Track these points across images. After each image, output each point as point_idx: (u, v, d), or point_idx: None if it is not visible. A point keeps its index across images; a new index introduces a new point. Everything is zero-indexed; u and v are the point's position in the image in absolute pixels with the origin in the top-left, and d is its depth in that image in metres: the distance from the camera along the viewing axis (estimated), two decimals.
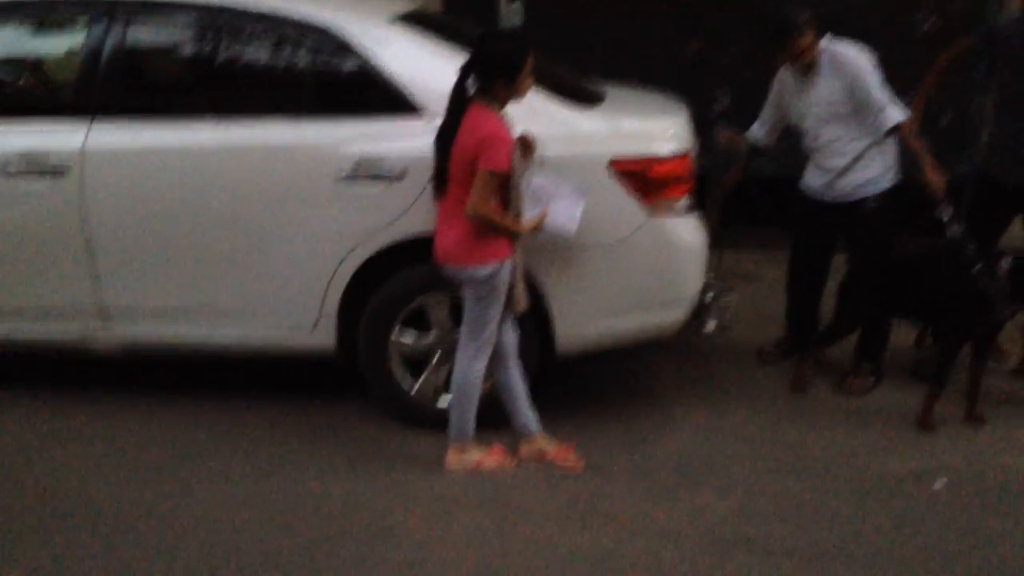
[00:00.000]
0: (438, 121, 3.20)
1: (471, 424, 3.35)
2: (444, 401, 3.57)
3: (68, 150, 3.53)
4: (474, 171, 3.04)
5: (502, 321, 3.27)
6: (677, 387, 4.14)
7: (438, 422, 3.47)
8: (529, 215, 3.20)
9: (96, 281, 3.63)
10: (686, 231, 3.52)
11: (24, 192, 3.56)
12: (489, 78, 3.07)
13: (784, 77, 4.13)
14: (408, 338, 3.58)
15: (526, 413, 3.40)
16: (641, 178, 3.40)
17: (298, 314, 3.60)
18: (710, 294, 3.79)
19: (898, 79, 3.97)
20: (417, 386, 3.63)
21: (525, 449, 3.44)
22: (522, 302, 3.26)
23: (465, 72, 3.10)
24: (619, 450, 3.55)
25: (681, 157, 3.48)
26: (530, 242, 3.28)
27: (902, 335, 4.55)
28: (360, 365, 3.66)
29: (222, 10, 3.58)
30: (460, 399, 3.31)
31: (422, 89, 3.42)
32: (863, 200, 4.00)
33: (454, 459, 3.39)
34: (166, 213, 3.55)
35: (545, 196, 3.21)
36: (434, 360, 3.60)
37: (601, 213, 3.35)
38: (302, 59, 3.56)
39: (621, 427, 3.74)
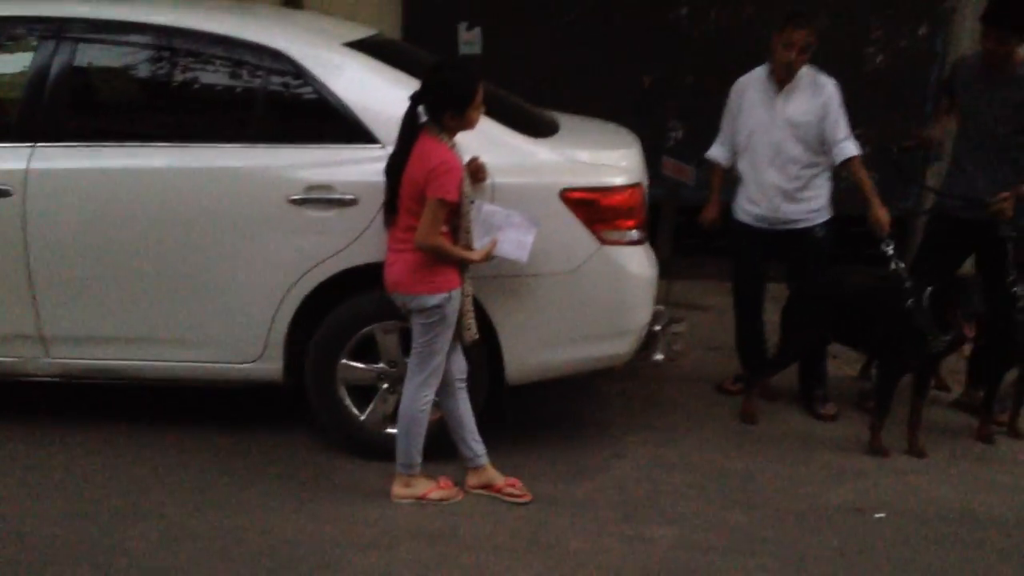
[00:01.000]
0: (389, 149, 3.20)
1: (418, 454, 3.32)
2: (392, 429, 3.53)
3: (11, 172, 3.45)
4: (423, 200, 3.03)
5: (451, 351, 3.26)
6: (625, 417, 4.15)
7: (386, 451, 3.43)
8: (479, 243, 3.20)
9: (35, 307, 3.54)
10: (637, 261, 3.54)
11: None
12: (438, 108, 3.07)
13: (745, 89, 4.14)
14: (356, 367, 3.55)
15: (474, 444, 3.38)
16: (593, 208, 3.42)
17: (245, 342, 3.54)
18: (660, 324, 3.82)
19: (848, 114, 4.06)
20: (366, 414, 3.59)
21: (472, 480, 3.42)
22: (472, 331, 3.25)
23: (415, 101, 3.10)
24: (566, 481, 3.55)
25: (633, 188, 3.51)
26: (480, 271, 3.28)
27: (847, 366, 4.64)
28: (307, 393, 3.61)
29: (173, 31, 3.54)
30: (407, 429, 3.28)
31: (373, 116, 3.41)
32: (811, 228, 4.07)
33: (400, 490, 3.35)
34: (108, 238, 3.48)
35: (496, 224, 3.22)
36: (382, 388, 3.57)
37: (552, 243, 3.36)
38: (254, 83, 3.53)
39: (569, 458, 3.73)
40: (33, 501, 3.32)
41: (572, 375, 3.74)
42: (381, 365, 3.56)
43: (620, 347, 3.61)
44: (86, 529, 3.16)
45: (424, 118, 3.12)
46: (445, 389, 3.31)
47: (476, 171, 3.29)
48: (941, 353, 3.86)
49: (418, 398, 3.24)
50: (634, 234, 3.53)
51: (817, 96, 3.98)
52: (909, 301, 3.73)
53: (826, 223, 4.11)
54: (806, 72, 4.01)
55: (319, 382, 3.56)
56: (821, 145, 4.00)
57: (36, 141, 3.48)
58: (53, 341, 3.60)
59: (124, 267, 3.50)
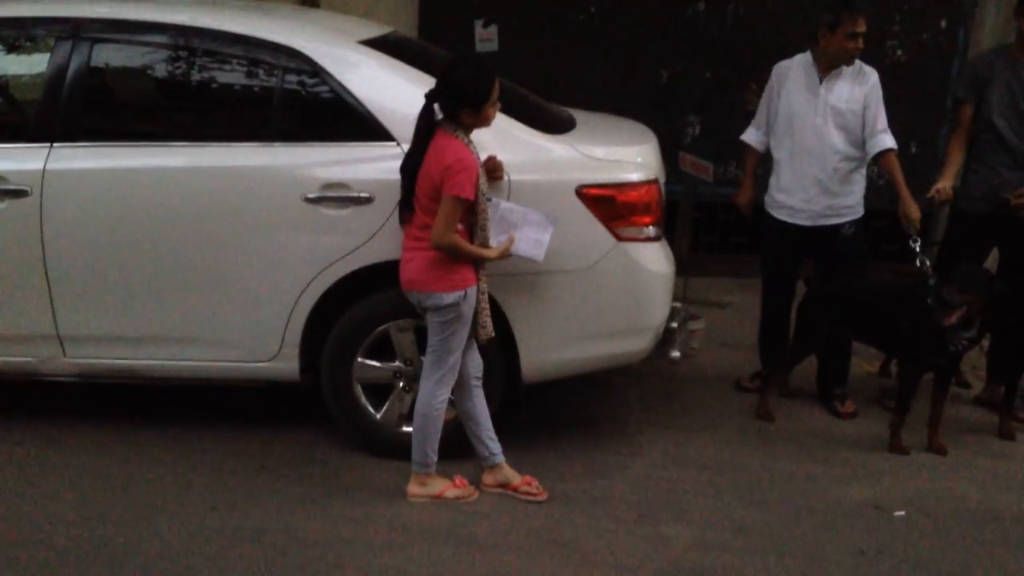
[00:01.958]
0: (405, 147, 3.19)
1: (434, 453, 3.31)
2: (408, 428, 3.53)
3: (28, 172, 3.46)
4: (439, 198, 3.03)
5: (467, 349, 3.25)
6: (642, 415, 4.13)
7: (402, 450, 3.43)
8: (496, 241, 3.19)
9: (52, 307, 3.55)
10: (654, 258, 3.52)
11: None
12: (454, 106, 3.06)
13: (786, 73, 4.08)
14: (372, 365, 3.55)
15: (490, 442, 3.37)
16: (610, 205, 3.41)
17: (261, 341, 3.55)
18: (677, 321, 3.79)
19: None
20: (382, 413, 3.59)
21: (488, 479, 3.41)
22: (487, 329, 3.25)
23: (431, 99, 3.09)
24: (582, 480, 3.53)
25: (650, 184, 3.49)
26: (496, 268, 3.27)
27: (867, 363, 4.60)
28: (324, 393, 3.62)
29: (190, 31, 3.54)
30: (423, 427, 3.28)
31: (389, 115, 3.40)
32: (841, 225, 4.02)
33: (416, 489, 3.35)
34: (125, 238, 3.48)
35: (513, 222, 3.21)
36: (398, 387, 3.57)
37: (569, 240, 3.34)
38: (270, 82, 3.53)
39: (585, 456, 3.72)
40: (48, 501, 3.33)
41: (589, 373, 3.73)
42: (397, 363, 3.55)
43: (637, 344, 3.59)
44: (101, 529, 3.17)
45: (440, 116, 3.11)
46: (461, 387, 3.30)
47: (493, 169, 3.28)
48: (962, 350, 3.82)
49: (434, 396, 3.23)
50: (651, 230, 3.50)
51: (861, 85, 3.93)
52: (930, 299, 3.69)
53: (855, 221, 4.07)
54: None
55: (335, 380, 3.56)
56: (857, 136, 3.95)
57: (53, 141, 3.49)
58: (70, 341, 3.62)
59: (141, 267, 3.50)
